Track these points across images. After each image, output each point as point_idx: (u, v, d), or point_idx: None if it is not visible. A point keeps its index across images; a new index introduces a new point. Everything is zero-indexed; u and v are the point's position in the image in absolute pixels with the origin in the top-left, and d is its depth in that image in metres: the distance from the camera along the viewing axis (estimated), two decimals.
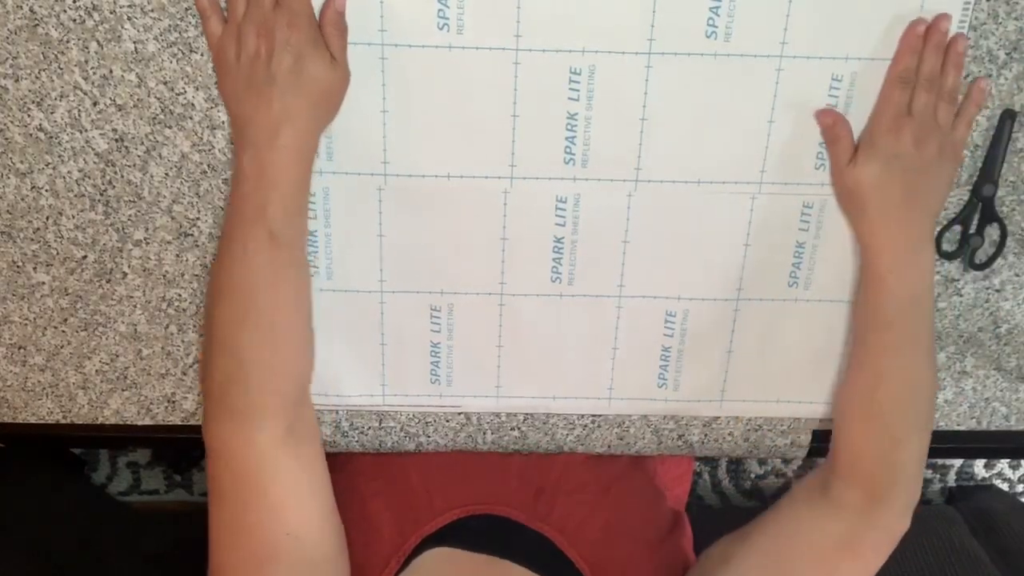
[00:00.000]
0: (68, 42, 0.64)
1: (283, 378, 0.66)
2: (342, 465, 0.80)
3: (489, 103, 0.66)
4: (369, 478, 0.77)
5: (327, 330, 0.73)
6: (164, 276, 0.72)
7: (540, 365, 0.76)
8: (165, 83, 0.66)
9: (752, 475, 1.53)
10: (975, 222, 0.72)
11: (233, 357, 0.64)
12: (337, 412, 0.78)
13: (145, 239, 0.71)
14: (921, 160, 0.64)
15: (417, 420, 0.79)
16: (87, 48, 0.65)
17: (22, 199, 0.69)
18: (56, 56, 0.65)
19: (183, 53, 0.65)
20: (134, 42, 0.64)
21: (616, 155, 0.68)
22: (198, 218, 0.70)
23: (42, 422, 0.78)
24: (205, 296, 0.70)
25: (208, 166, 0.68)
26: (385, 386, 0.77)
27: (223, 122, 0.67)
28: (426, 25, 0.64)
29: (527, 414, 0.79)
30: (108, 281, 0.73)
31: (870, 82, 0.66)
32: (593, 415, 0.79)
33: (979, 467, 1.55)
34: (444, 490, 0.74)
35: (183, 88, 0.66)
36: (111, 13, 0.63)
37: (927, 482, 1.55)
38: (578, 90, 0.66)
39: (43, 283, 0.73)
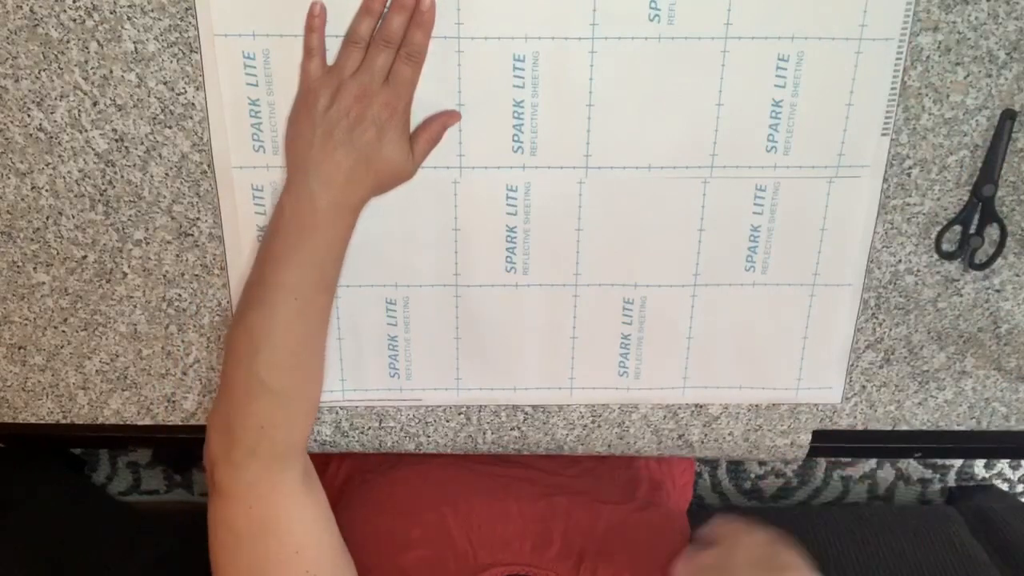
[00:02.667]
0: (68, 42, 0.64)
1: (313, 417, 0.68)
2: (373, 500, 0.79)
3: (433, 92, 0.66)
4: (408, 523, 0.75)
5: None
6: (164, 276, 0.72)
7: (499, 356, 0.76)
8: (165, 83, 0.66)
9: (752, 475, 1.53)
10: (975, 222, 0.72)
11: (280, 402, 0.64)
12: (337, 412, 0.78)
13: (145, 239, 0.71)
14: None
15: (417, 420, 0.79)
16: (87, 48, 0.65)
17: (22, 199, 0.70)
18: (56, 56, 0.65)
19: (183, 53, 0.65)
20: (134, 42, 0.64)
21: (565, 142, 0.68)
22: (198, 218, 0.70)
23: (42, 422, 0.78)
24: (233, 339, 0.66)
25: (208, 166, 0.69)
26: (344, 381, 0.77)
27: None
28: None
29: (527, 414, 0.79)
30: (108, 281, 0.73)
31: (818, 62, 0.66)
32: (593, 414, 0.79)
33: (979, 467, 1.55)
34: (488, 546, 0.73)
35: (183, 88, 0.66)
36: (111, 13, 0.64)
37: (927, 482, 1.55)
38: (523, 77, 0.66)
39: (43, 283, 0.73)
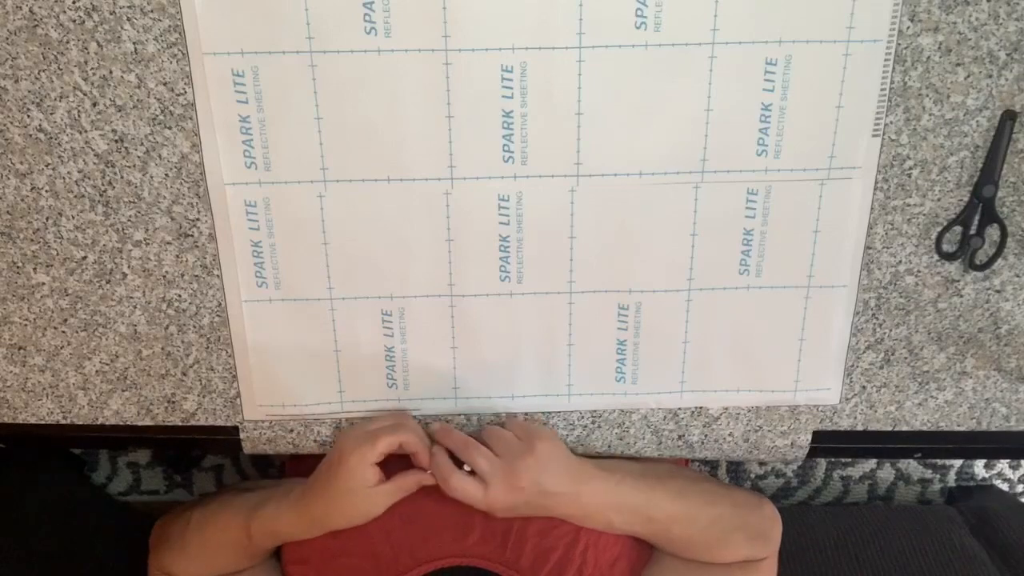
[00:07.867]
0: (68, 43, 0.64)
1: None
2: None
3: (423, 105, 0.66)
4: (332, 534, 0.76)
5: (281, 340, 0.74)
6: (164, 276, 0.72)
7: (496, 365, 0.76)
8: (165, 83, 0.66)
9: (752, 475, 1.53)
10: (975, 223, 0.72)
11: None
12: (338, 413, 0.78)
13: (145, 239, 0.71)
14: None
15: (417, 420, 0.79)
16: (87, 49, 0.65)
17: (22, 199, 0.69)
18: (56, 57, 0.65)
19: (183, 53, 0.65)
20: (134, 43, 0.64)
21: (555, 151, 0.68)
22: (198, 218, 0.70)
23: (42, 422, 0.78)
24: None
25: (208, 166, 0.68)
26: (342, 392, 0.77)
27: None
28: (353, 30, 0.64)
29: (527, 415, 0.79)
30: (108, 282, 0.73)
31: (806, 64, 0.66)
32: (593, 415, 0.79)
33: (979, 467, 1.55)
34: (410, 548, 0.74)
35: (183, 88, 0.66)
36: (111, 14, 0.63)
37: (927, 482, 1.55)
38: (511, 88, 0.66)
39: (43, 284, 0.73)
